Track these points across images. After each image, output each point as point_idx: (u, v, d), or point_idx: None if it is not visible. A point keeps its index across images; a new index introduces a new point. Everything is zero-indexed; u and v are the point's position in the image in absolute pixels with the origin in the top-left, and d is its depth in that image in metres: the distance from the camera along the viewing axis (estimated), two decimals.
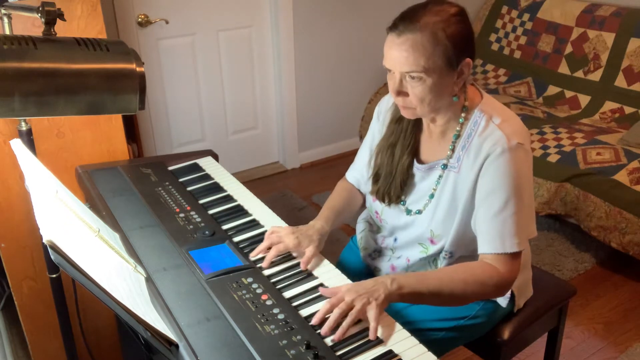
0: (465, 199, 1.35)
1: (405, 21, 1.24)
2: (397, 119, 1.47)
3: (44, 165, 1.37)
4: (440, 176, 1.40)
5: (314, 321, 1.18)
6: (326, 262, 1.41)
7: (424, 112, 1.33)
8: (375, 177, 1.51)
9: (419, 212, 1.45)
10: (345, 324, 1.16)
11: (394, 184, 1.46)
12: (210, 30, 3.30)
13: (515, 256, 1.32)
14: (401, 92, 1.30)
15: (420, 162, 1.45)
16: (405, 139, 1.45)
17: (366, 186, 1.59)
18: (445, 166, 1.39)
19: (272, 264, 1.38)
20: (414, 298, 1.27)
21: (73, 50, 1.17)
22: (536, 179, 2.85)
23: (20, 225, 1.83)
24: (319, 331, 1.16)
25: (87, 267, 0.97)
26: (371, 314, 1.18)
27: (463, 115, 1.36)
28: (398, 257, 1.53)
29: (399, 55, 1.25)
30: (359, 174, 1.64)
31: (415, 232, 1.46)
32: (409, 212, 1.47)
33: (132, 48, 1.25)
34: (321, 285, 1.32)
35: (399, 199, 1.47)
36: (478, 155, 1.32)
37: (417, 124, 1.46)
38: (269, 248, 1.41)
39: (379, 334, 1.17)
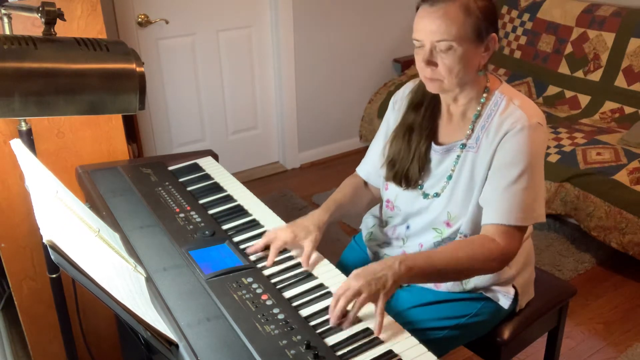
0: (482, 177, 1.36)
1: None
2: (414, 105, 1.48)
3: (44, 165, 1.37)
4: (458, 156, 1.41)
5: (332, 321, 1.17)
6: (326, 261, 1.41)
7: (451, 85, 1.34)
8: (392, 163, 1.50)
9: (437, 195, 1.45)
10: (352, 313, 1.17)
11: (412, 167, 1.46)
12: (210, 30, 3.30)
13: (519, 230, 1.33)
14: (431, 62, 1.31)
15: (438, 144, 1.46)
16: (423, 124, 1.46)
17: (378, 177, 1.59)
18: (464, 146, 1.40)
19: (272, 264, 1.38)
20: (421, 279, 1.30)
21: (73, 50, 1.17)
22: None
23: (20, 225, 1.83)
24: (319, 331, 1.16)
25: (87, 267, 0.97)
26: (379, 305, 1.18)
27: (485, 95, 1.39)
28: (410, 245, 1.53)
29: (431, 24, 1.27)
30: (371, 166, 1.63)
31: (430, 217, 1.46)
32: (426, 196, 1.47)
33: (132, 48, 1.25)
34: (321, 285, 1.32)
35: (417, 183, 1.47)
36: (497, 133, 1.34)
37: (435, 109, 1.47)
38: (267, 247, 1.41)
39: (382, 336, 1.16)
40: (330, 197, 1.58)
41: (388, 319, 1.21)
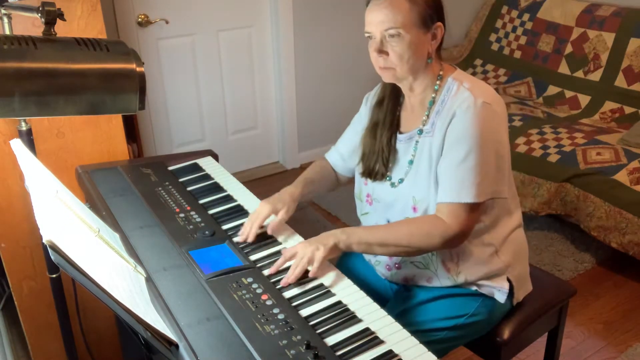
0: (438, 159, 1.40)
1: None
2: (379, 102, 1.55)
3: (44, 165, 1.37)
4: (417, 142, 1.46)
5: (271, 271, 1.34)
6: (326, 262, 1.41)
7: (403, 72, 1.39)
8: (362, 158, 1.57)
9: (401, 180, 1.48)
10: (298, 269, 1.31)
11: (378, 161, 1.52)
12: (210, 30, 3.30)
13: (469, 208, 1.37)
14: (382, 51, 1.39)
15: (401, 134, 1.51)
16: (387, 118, 1.52)
17: (344, 165, 1.69)
18: (421, 132, 1.45)
19: (272, 264, 1.38)
20: (362, 247, 1.41)
21: (73, 50, 1.17)
22: (536, 179, 2.85)
23: (20, 225, 1.83)
24: (319, 331, 1.16)
25: (87, 267, 0.97)
26: (317, 255, 1.33)
27: (438, 82, 1.44)
28: None
29: (379, 14, 1.35)
30: (338, 154, 1.71)
31: (400, 205, 1.49)
32: (393, 184, 1.50)
33: (132, 48, 1.25)
34: (321, 285, 1.32)
35: (384, 176, 1.52)
36: (447, 115, 1.39)
37: (396, 101, 1.53)
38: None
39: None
40: (300, 176, 1.67)
41: (388, 318, 1.21)
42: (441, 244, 1.39)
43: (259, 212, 1.50)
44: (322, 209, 3.21)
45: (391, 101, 1.52)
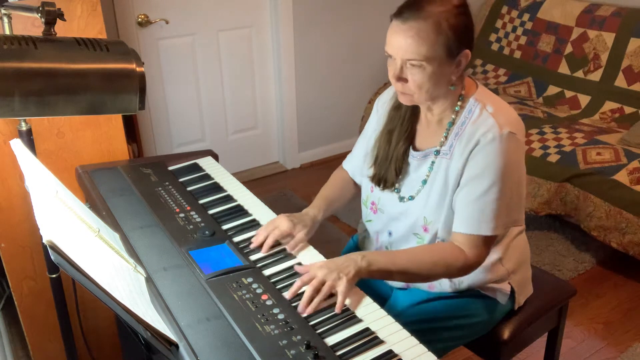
0: (454, 184, 1.38)
1: (410, 9, 1.28)
2: (396, 107, 1.50)
3: (44, 165, 1.37)
4: (432, 162, 1.42)
5: (288, 296, 1.25)
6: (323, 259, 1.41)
7: (421, 99, 1.36)
8: (374, 163, 1.53)
9: (412, 198, 1.46)
10: (317, 299, 1.22)
11: (389, 169, 1.48)
12: (210, 30, 3.30)
13: (487, 240, 1.36)
14: (401, 78, 1.33)
15: (415, 149, 1.47)
16: (403, 126, 1.48)
17: (362, 176, 1.62)
18: (437, 152, 1.41)
19: (272, 264, 1.38)
20: (382, 275, 1.35)
21: (73, 50, 1.17)
22: (536, 179, 2.85)
23: (20, 225, 1.83)
24: (319, 331, 1.16)
25: (87, 267, 0.97)
26: (340, 288, 1.24)
27: (459, 103, 1.39)
28: None
29: (403, 42, 1.28)
30: (355, 164, 1.68)
31: (409, 221, 1.47)
32: (401, 199, 1.48)
33: (132, 48, 1.25)
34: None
35: (393, 186, 1.49)
36: (470, 141, 1.35)
37: (415, 112, 1.48)
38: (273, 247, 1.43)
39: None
40: (321, 195, 1.63)
41: (388, 319, 1.22)
42: (459, 275, 1.39)
43: (278, 226, 1.44)
44: None
45: (409, 109, 1.47)
